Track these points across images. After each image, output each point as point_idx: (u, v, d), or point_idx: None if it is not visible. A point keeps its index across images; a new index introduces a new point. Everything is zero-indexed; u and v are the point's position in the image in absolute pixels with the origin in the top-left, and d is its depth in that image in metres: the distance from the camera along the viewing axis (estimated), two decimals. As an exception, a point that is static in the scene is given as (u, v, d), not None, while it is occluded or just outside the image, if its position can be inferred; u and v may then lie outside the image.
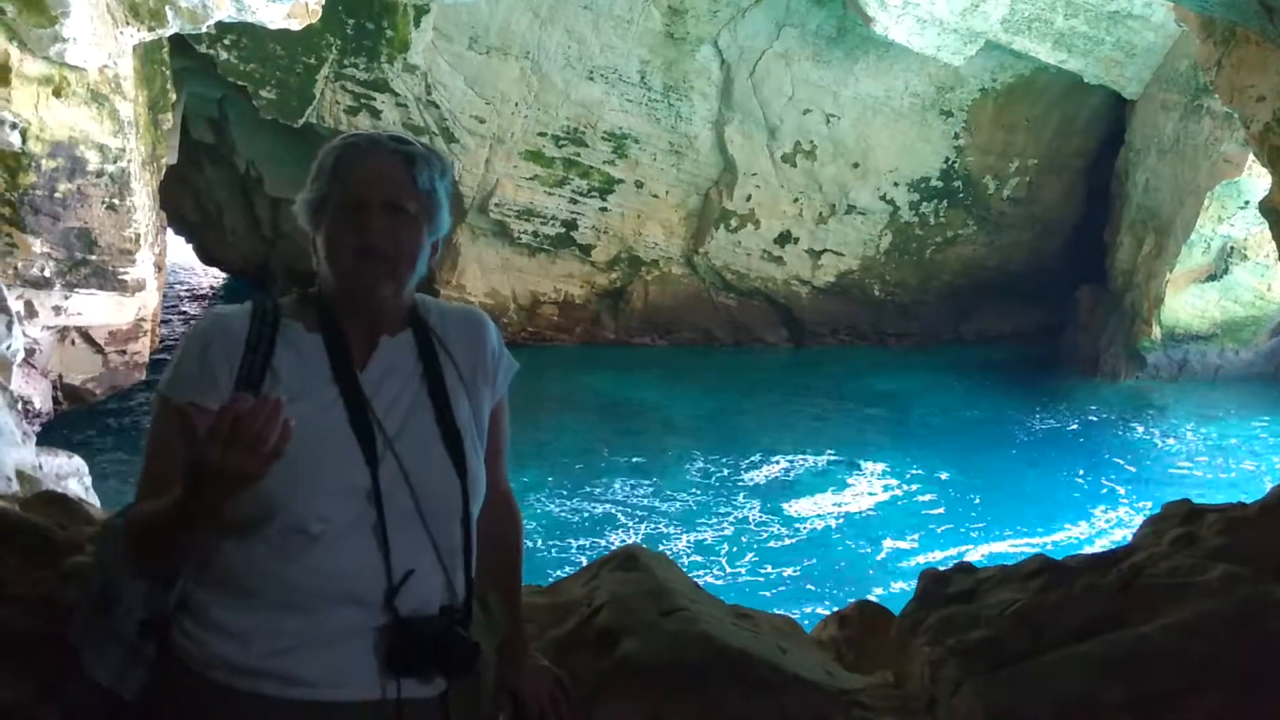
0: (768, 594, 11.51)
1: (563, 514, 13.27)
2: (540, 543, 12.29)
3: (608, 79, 19.06)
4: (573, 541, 12.44)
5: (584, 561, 8.99)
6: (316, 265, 2.03)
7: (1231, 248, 18.67)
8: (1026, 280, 22.30)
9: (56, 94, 10.58)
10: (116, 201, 11.75)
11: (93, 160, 11.27)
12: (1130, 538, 3.35)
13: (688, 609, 2.64)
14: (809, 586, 11.73)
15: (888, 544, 12.88)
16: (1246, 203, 17.21)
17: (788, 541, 12.91)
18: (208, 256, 23.58)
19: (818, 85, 19.75)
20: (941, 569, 3.11)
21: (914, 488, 14.66)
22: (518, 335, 20.37)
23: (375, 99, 18.19)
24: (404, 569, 1.90)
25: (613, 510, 13.47)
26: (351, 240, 1.95)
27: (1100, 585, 2.85)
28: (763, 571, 12.09)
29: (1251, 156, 16.26)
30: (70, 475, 4.71)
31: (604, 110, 19.31)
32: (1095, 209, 21.61)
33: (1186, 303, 19.23)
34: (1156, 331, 19.43)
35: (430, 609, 1.94)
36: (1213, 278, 19.06)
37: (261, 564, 1.86)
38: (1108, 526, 13.31)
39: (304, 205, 2.01)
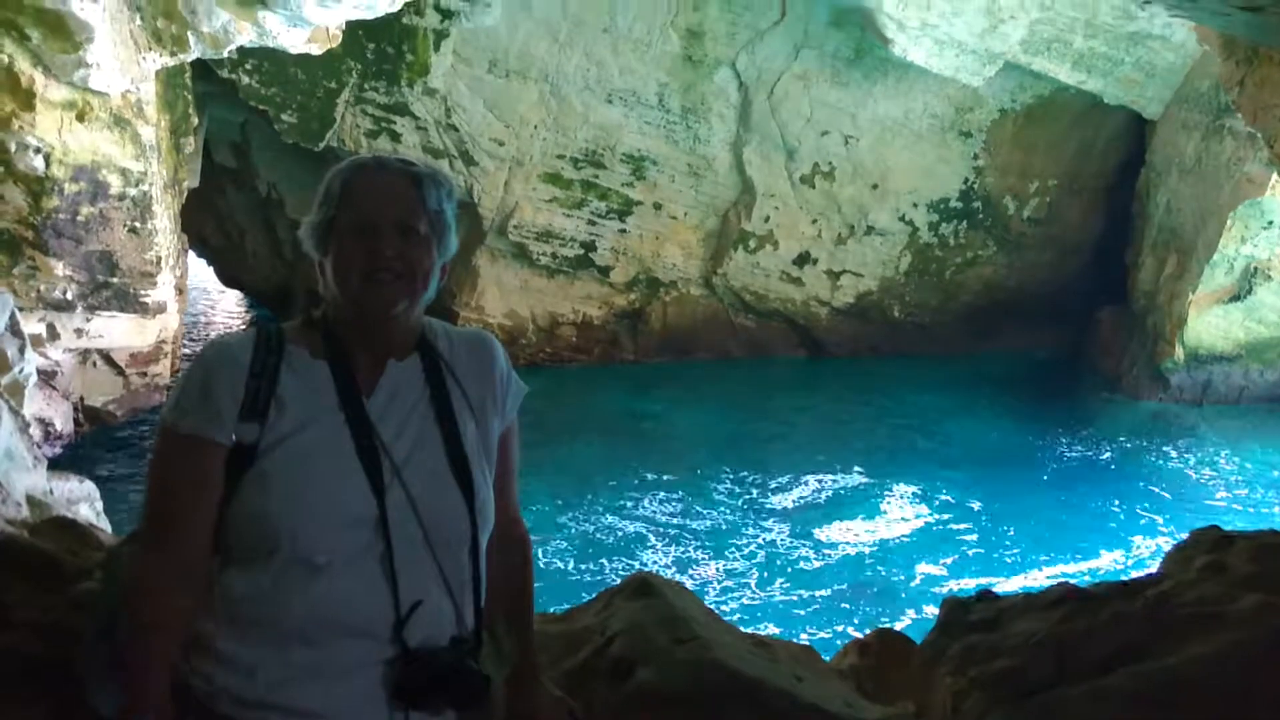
0: (800, 613, 11.43)
1: (597, 534, 13.23)
2: (573, 564, 12.25)
3: (626, 102, 19.10)
4: (605, 563, 12.39)
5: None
6: (323, 290, 2.00)
7: (1255, 268, 18.50)
8: (1047, 301, 22.14)
9: (79, 119, 10.67)
10: (138, 225, 11.82)
11: (115, 184, 11.35)
12: (1158, 566, 3.28)
13: (702, 637, 2.59)
14: (843, 605, 11.63)
15: (921, 569, 12.74)
16: (1270, 223, 17.08)
17: (819, 564, 12.79)
18: (229, 279, 23.69)
19: (836, 107, 19.74)
20: (963, 597, 3.05)
21: (946, 515, 14.45)
22: (536, 356, 20.35)
23: (395, 122, 18.28)
24: (412, 600, 1.86)
25: (644, 530, 13.40)
26: (362, 261, 1.92)
27: (1126, 614, 2.79)
28: (795, 594, 11.99)
29: (1275, 176, 16.14)
30: (81, 500, 4.69)
31: (622, 133, 19.34)
32: (1116, 230, 21.47)
33: (1210, 324, 19.05)
34: (1179, 352, 19.26)
35: (440, 640, 1.90)
36: (1236, 298, 18.88)
37: (266, 595, 1.82)
38: (1145, 555, 13.08)
39: (311, 229, 1.99)
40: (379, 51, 17.54)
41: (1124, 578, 3.11)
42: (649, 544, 13.04)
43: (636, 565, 12.03)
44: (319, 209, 1.98)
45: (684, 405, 18.51)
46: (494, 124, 18.78)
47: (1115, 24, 17.99)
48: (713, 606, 10.51)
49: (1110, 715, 2.45)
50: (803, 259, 21.08)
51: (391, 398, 1.96)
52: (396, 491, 1.88)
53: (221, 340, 1.99)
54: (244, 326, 15.32)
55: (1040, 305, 22.18)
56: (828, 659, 3.30)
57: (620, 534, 13.29)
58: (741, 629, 2.98)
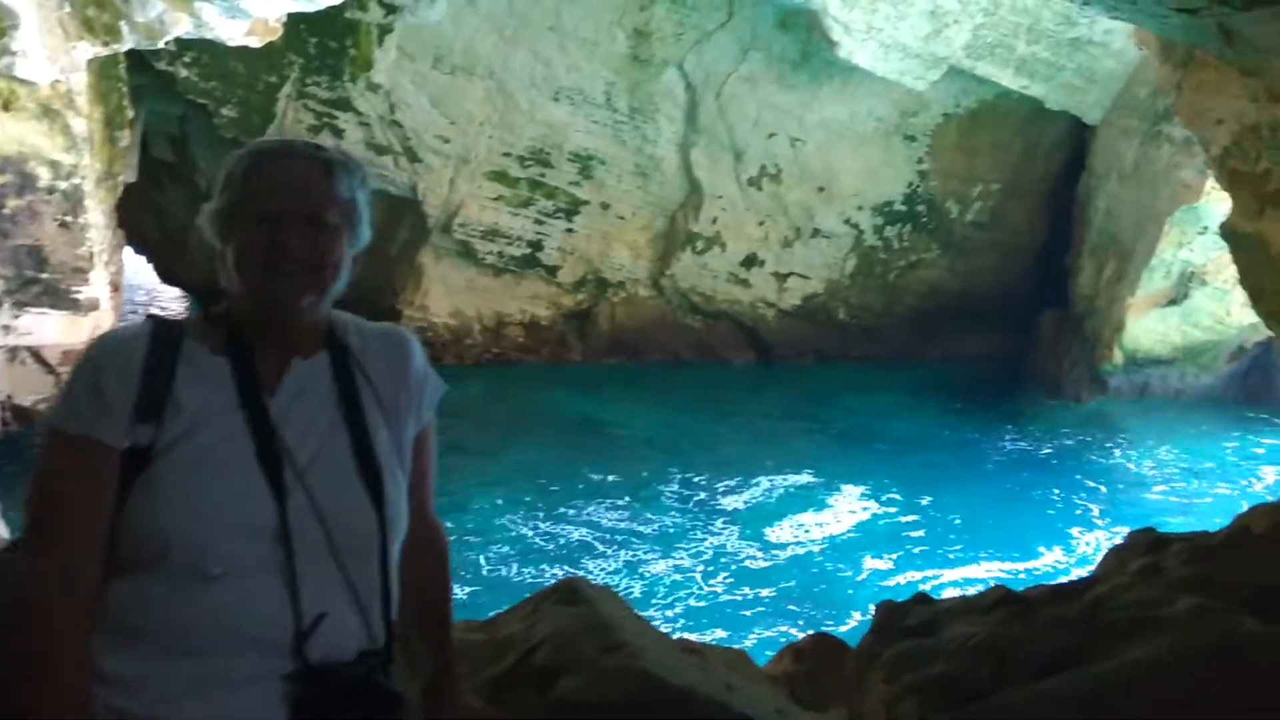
0: (747, 614, 11.40)
1: (540, 538, 13.06)
2: (515, 570, 12.09)
3: (573, 100, 19.00)
4: (548, 568, 12.23)
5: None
6: (225, 282, 1.88)
7: (1191, 273, 18.80)
8: (990, 305, 22.36)
9: (5, 108, 10.34)
10: (69, 219, 11.49)
11: (44, 176, 11.02)
12: (1095, 568, 3.25)
13: (630, 645, 2.50)
14: (789, 608, 11.61)
15: (868, 566, 12.80)
16: (1205, 228, 17.35)
17: (767, 564, 12.78)
18: (168, 276, 23.22)
19: (783, 109, 19.78)
20: (899, 600, 2.99)
21: (892, 510, 14.59)
22: (482, 356, 20.19)
23: (338, 118, 18.03)
24: (315, 611, 1.75)
25: (589, 535, 13.27)
26: (265, 252, 1.81)
27: (1063, 618, 2.75)
28: (743, 595, 11.95)
29: (1210, 182, 16.40)
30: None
31: (569, 131, 19.23)
32: (1058, 234, 21.73)
33: (1147, 327, 19.34)
34: (1118, 355, 19.55)
35: (346, 654, 1.79)
36: (1173, 302, 19.18)
37: (155, 604, 1.70)
38: (1085, 550, 13.29)
39: (212, 216, 1.86)
40: (321, 45, 17.29)
41: (1061, 579, 3.08)
42: (595, 548, 12.93)
43: (581, 570, 11.93)
44: (220, 195, 1.86)
45: (632, 407, 18.44)
46: (439, 121, 18.59)
47: (1057, 30, 18.21)
48: (659, 610, 10.49)
49: (1046, 723, 2.40)
50: (750, 261, 21.11)
51: (296, 397, 1.85)
52: (299, 497, 1.77)
53: (113, 334, 1.86)
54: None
55: (984, 308, 22.40)
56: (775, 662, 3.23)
57: (565, 538, 13.15)
58: (672, 636, 2.89)
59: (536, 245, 20.06)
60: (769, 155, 20.21)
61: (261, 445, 1.77)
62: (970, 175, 21.50)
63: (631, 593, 11.54)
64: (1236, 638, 2.52)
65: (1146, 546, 3.11)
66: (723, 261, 20.94)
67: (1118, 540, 3.38)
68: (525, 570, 12.04)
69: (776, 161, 20.31)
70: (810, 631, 3.42)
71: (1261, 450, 17.50)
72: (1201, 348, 19.73)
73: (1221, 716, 2.37)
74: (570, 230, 20.07)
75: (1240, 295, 17.65)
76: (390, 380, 1.96)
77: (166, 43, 11.91)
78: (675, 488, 15.00)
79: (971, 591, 3.51)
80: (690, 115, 19.69)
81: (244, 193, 1.84)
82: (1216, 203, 16.40)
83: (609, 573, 12.22)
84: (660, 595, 11.80)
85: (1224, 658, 2.49)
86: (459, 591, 11.23)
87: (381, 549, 1.86)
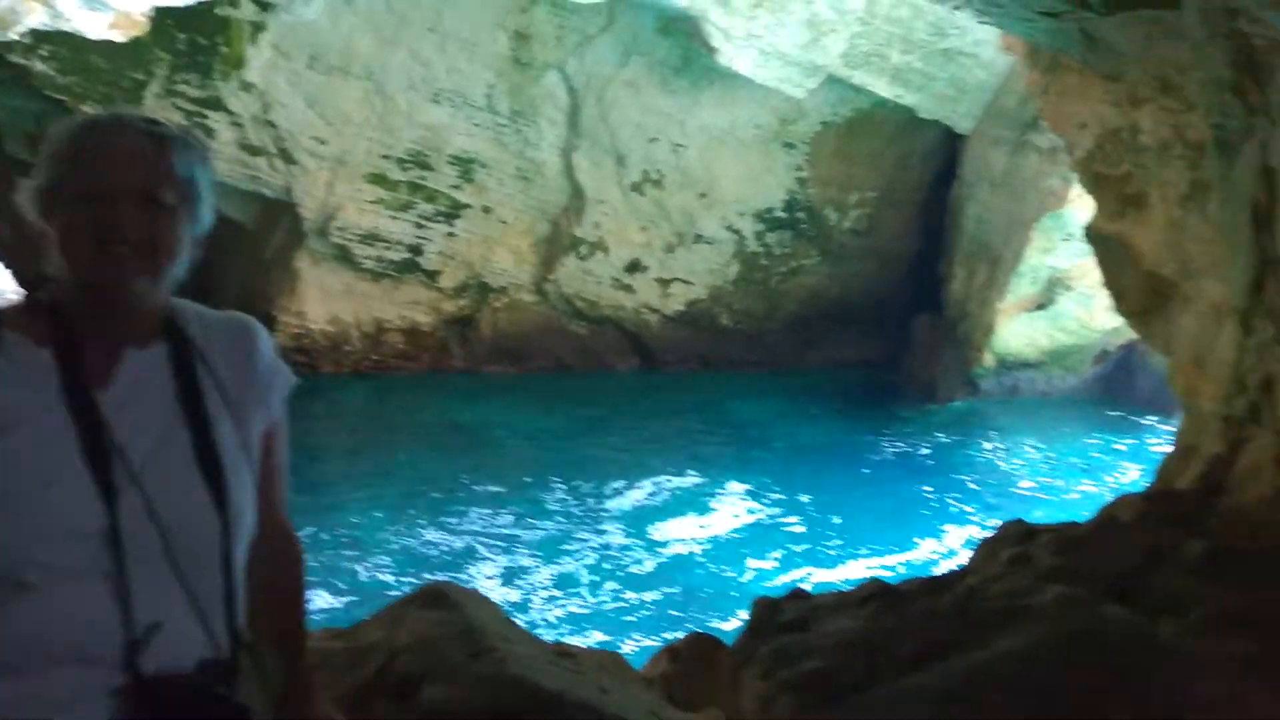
0: (632, 619, 11.39)
1: (422, 547, 12.86)
2: (395, 579, 11.84)
3: (454, 102, 18.76)
4: (430, 576, 11.94)
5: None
6: (48, 265, 1.73)
7: (1057, 278, 19.52)
8: (867, 310, 22.83)
9: None
10: (-88, 219, 10.84)
11: (-117, 173, 10.38)
12: (967, 559, 3.28)
13: (499, 650, 2.41)
14: (673, 612, 11.64)
15: (751, 566, 12.93)
16: (1070, 235, 18.00)
17: (652, 566, 12.83)
18: (25, 280, 22.19)
19: (665, 114, 19.88)
20: (774, 597, 2.97)
21: (774, 510, 14.79)
22: (361, 364, 19.75)
23: (209, 117, 17.43)
24: (148, 621, 1.62)
25: (472, 542, 13.12)
26: (94, 233, 1.67)
27: (936, 610, 2.76)
28: (628, 599, 11.95)
29: (1074, 189, 17.03)
30: None
31: (450, 134, 18.98)
32: (932, 241, 22.31)
33: (1016, 331, 20.04)
34: (989, 359, 20.22)
35: (183, 666, 1.66)
36: (1041, 307, 19.89)
37: None
38: (958, 544, 13.70)
39: (34, 193, 1.72)
40: (191, 42, 16.71)
41: (934, 570, 3.09)
42: (478, 555, 12.78)
43: (463, 577, 11.75)
44: (44, 169, 1.72)
45: (516, 414, 18.28)
46: (315, 122, 18.14)
47: (930, 40, 18.70)
48: (540, 616, 10.34)
49: (918, 715, 2.39)
50: (633, 266, 21.14)
51: (130, 391, 1.70)
52: (132, 498, 1.63)
53: None
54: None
55: (862, 314, 22.85)
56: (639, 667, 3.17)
57: (447, 546, 12.97)
58: (544, 640, 2.81)
59: (416, 249, 19.74)
60: (651, 160, 20.28)
61: (89, 444, 1.62)
62: (848, 183, 21.93)
63: (512, 599, 11.43)
64: (1101, 625, 2.56)
65: (1017, 537, 3.16)
66: (606, 267, 20.92)
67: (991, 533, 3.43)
68: (405, 579, 11.78)
69: (659, 167, 20.40)
70: (682, 636, 3.39)
71: (1123, 447, 18.26)
72: (1067, 351, 20.51)
73: (1086, 703, 2.40)
74: (451, 234, 19.81)
75: (1103, 300, 18.40)
76: (235, 372, 1.83)
77: (20, 34, 11.33)
78: (559, 493, 14.92)
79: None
80: (572, 119, 19.63)
81: (72, 167, 1.70)
82: (1081, 210, 17.05)
83: (490, 579, 12.08)
84: (542, 601, 11.70)
85: (1089, 646, 2.53)
86: (335, 602, 10.94)
87: (224, 552, 1.74)
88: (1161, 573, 2.82)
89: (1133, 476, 16.19)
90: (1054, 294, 19.67)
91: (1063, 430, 19.18)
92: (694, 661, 3.03)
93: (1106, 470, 17.15)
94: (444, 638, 2.43)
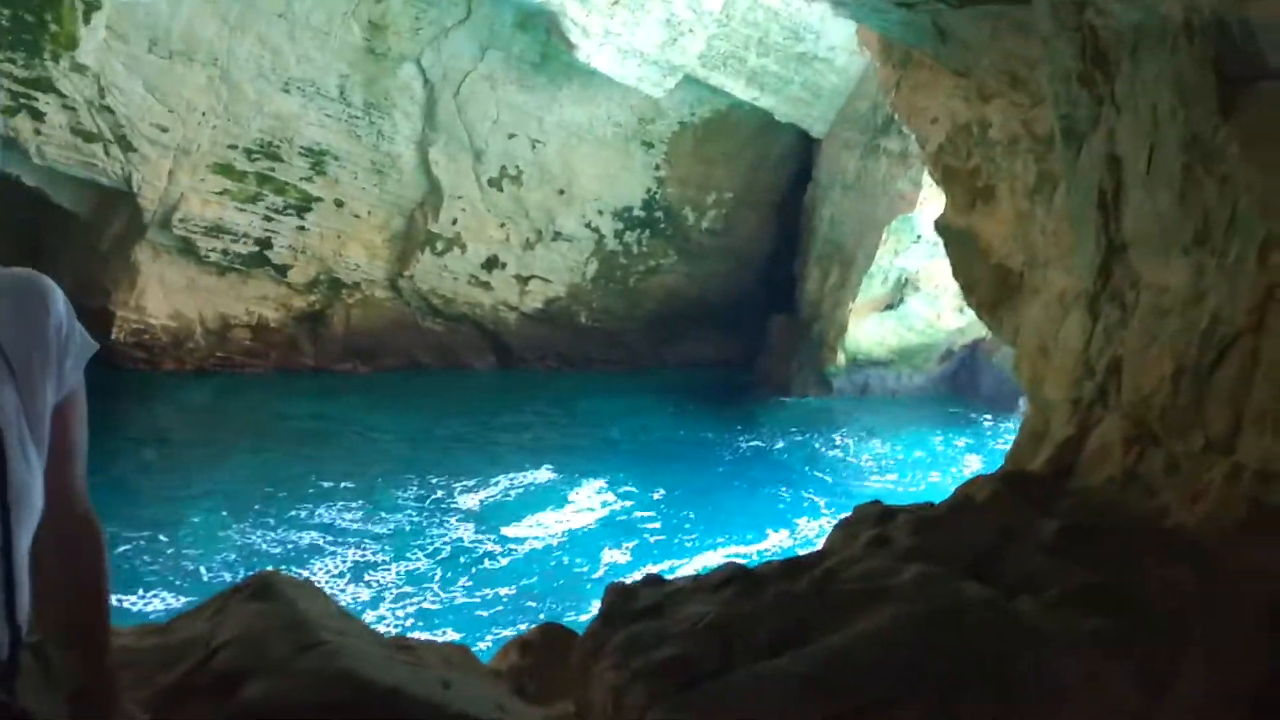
0: (485, 613, 11.26)
1: (266, 544, 12.53)
2: (239, 575, 11.36)
3: (304, 92, 18.14)
4: (274, 573, 11.57)
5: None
6: None
7: (906, 279, 20.11)
8: (725, 309, 23.07)
9: None
10: None
11: None
12: (824, 542, 3.23)
13: (329, 643, 2.22)
14: (528, 604, 11.59)
15: (606, 558, 12.98)
16: (919, 237, 18.57)
17: (506, 562, 12.76)
18: None
19: (523, 110, 19.67)
20: (628, 583, 2.85)
21: (630, 504, 14.88)
22: (206, 361, 18.92)
23: (37, 99, 16.39)
24: None
25: (319, 538, 12.84)
26: None
27: (793, 593, 2.69)
28: (481, 593, 11.82)
29: (923, 192, 17.55)
30: None
31: (301, 124, 18.35)
32: (787, 242, 22.70)
33: (867, 331, 20.58)
34: (841, 358, 20.71)
35: None
36: (890, 307, 20.47)
37: None
38: (811, 534, 14.02)
39: None
40: (16, 19, 15.69)
41: (792, 554, 3.03)
42: (324, 551, 12.49)
43: (308, 573, 11.37)
44: None
45: (368, 413, 17.88)
46: (156, 108, 17.27)
47: (785, 44, 19.00)
48: (389, 612, 10.03)
49: (776, 700, 2.31)
50: (491, 263, 20.85)
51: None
52: None
53: None
54: None
55: (719, 314, 23.08)
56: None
57: (294, 543, 12.62)
58: (380, 632, 2.62)
59: (265, 243, 19.01)
60: (509, 156, 20.04)
61: None
62: (705, 183, 22.12)
63: (362, 597, 11.13)
64: (960, 604, 2.53)
65: (875, 518, 3.13)
66: (463, 263, 20.58)
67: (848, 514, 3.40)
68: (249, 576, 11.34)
69: (517, 163, 20.17)
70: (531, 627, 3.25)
71: (963, 443, 19.02)
72: (915, 350, 21.16)
73: (947, 686, 2.36)
74: (302, 228, 19.16)
75: (949, 301, 19.08)
76: (20, 335, 1.60)
77: None
78: (411, 490, 14.68)
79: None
80: (429, 112, 19.23)
81: None
82: (930, 212, 17.59)
83: (338, 576, 11.78)
84: (392, 598, 11.43)
85: (948, 625, 2.49)
86: (175, 602, 10.46)
87: (4, 540, 1.52)
88: (1016, 551, 2.82)
89: (975, 469, 16.81)
90: (903, 294, 20.26)
91: (909, 426, 19.81)
92: (545, 652, 2.90)
93: (951, 463, 17.80)
94: (269, 630, 2.23)
